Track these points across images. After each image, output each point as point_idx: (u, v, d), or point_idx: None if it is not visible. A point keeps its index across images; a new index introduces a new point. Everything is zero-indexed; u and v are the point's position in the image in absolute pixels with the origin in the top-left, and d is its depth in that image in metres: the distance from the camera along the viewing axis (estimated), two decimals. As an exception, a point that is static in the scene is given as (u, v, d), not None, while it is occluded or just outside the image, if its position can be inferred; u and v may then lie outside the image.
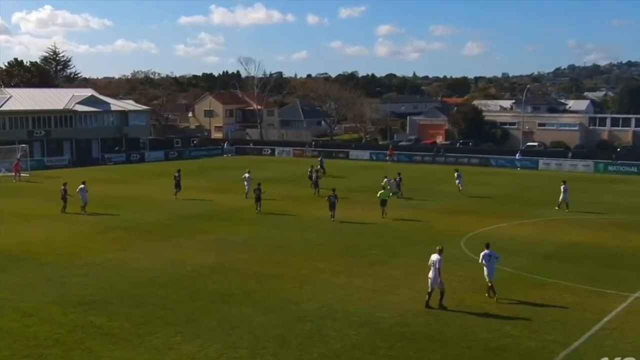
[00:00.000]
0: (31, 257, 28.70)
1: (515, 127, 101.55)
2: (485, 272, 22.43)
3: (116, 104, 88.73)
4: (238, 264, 27.33)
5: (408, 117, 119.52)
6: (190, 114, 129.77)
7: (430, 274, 21.54)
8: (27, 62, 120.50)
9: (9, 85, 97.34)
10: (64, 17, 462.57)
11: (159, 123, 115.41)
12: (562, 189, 42.06)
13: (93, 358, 17.52)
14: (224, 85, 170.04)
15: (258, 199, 40.22)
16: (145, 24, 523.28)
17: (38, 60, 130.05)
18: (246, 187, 45.58)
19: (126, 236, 33.50)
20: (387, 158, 76.03)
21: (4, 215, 39.92)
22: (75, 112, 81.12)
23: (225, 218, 38.62)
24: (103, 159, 77.51)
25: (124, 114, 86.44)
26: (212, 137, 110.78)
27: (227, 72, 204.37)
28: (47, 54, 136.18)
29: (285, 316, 20.71)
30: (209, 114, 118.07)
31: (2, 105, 78.84)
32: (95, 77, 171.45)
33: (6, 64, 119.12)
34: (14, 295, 23.02)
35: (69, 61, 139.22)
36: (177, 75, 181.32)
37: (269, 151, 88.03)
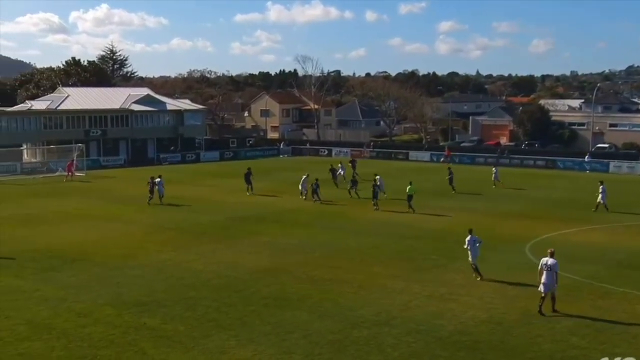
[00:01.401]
0: (85, 258, 28.83)
1: (585, 127, 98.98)
2: (470, 256, 24.78)
3: (172, 104, 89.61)
4: (292, 268, 26.90)
5: (470, 117, 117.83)
6: (246, 114, 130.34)
7: (543, 279, 20.79)
8: (84, 62, 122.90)
9: (66, 84, 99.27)
10: (121, 15, 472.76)
11: (215, 123, 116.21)
12: (600, 190, 40.84)
13: (146, 360, 17.33)
14: (280, 84, 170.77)
15: (314, 192, 43.80)
16: (200, 22, 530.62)
17: (95, 60, 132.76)
18: (301, 189, 45.37)
19: (180, 237, 33.46)
20: (442, 159, 74.84)
21: (59, 215, 40.42)
22: (132, 111, 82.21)
23: (280, 220, 38.28)
24: (158, 159, 78.28)
25: (179, 113, 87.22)
26: (268, 137, 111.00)
27: (283, 70, 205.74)
28: (104, 53, 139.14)
29: (341, 322, 20.17)
30: (265, 113, 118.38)
31: (60, 105, 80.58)
32: (152, 76, 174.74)
33: (64, 63, 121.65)
34: (68, 295, 23.07)
35: (125, 60, 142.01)
36: (234, 74, 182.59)
37: (326, 152, 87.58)
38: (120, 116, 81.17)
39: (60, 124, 76.59)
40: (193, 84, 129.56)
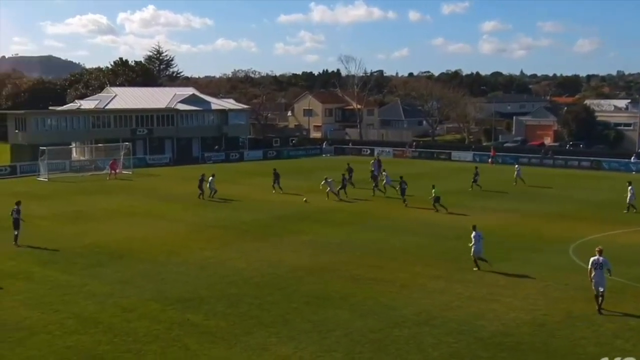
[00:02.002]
0: (132, 254, 29.40)
1: (631, 128, 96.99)
2: (473, 249, 26.32)
3: (216, 103, 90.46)
4: (334, 266, 27.02)
5: (514, 117, 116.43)
6: (289, 113, 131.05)
7: (595, 277, 20.72)
8: (131, 62, 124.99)
9: (114, 84, 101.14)
10: (167, 16, 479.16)
11: (259, 122, 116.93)
12: (628, 190, 40.16)
13: (190, 356, 17.64)
14: (323, 84, 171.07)
15: (342, 188, 45.16)
16: (245, 23, 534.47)
17: (142, 60, 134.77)
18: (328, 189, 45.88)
19: (223, 235, 33.84)
20: (490, 160, 74.02)
21: (105, 212, 41.20)
22: (177, 110, 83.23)
23: (321, 219, 38.39)
24: (203, 157, 79.03)
25: (224, 112, 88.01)
26: (311, 136, 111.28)
27: (327, 70, 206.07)
28: (150, 54, 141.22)
29: (382, 321, 20.23)
30: (308, 113, 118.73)
31: (107, 104, 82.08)
32: (197, 76, 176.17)
33: (112, 64, 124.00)
34: (114, 290, 23.58)
35: (171, 60, 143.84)
36: (277, 74, 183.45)
37: (368, 151, 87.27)
38: (166, 115, 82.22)
39: (108, 123, 77.87)
40: (237, 84, 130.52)
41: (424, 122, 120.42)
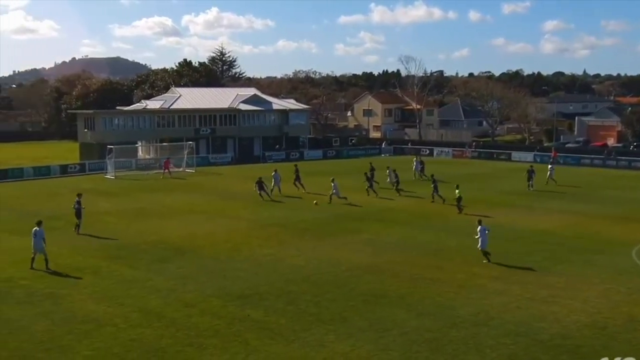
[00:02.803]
0: (194, 250, 30.06)
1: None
2: (480, 243, 27.55)
3: (278, 103, 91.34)
4: (392, 266, 27.12)
5: (576, 118, 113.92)
6: (349, 113, 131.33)
7: None
8: (195, 63, 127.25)
9: (179, 84, 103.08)
10: (229, 18, 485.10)
11: (319, 122, 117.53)
12: None
13: (249, 351, 17.97)
14: (383, 84, 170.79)
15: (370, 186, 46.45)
16: (305, 24, 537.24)
17: (206, 61, 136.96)
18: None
19: (283, 233, 34.26)
20: (551, 160, 72.72)
21: (169, 209, 42.19)
22: (239, 110, 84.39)
23: (380, 219, 38.49)
24: (264, 156, 79.90)
25: (284, 112, 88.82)
26: (370, 136, 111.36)
27: (386, 71, 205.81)
28: (214, 55, 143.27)
29: (439, 321, 20.27)
30: (368, 113, 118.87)
31: (172, 104, 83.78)
32: (259, 77, 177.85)
33: (177, 65, 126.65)
34: (177, 286, 24.19)
35: (234, 61, 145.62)
36: (337, 75, 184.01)
37: (427, 151, 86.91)
38: (229, 115, 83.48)
39: (172, 123, 79.53)
40: (298, 84, 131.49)
41: (484, 122, 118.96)
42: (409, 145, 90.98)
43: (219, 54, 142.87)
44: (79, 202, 34.61)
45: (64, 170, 65.59)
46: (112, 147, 63.14)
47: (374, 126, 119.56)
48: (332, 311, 21.22)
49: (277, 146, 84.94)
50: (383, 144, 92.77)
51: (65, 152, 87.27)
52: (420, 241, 32.09)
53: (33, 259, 26.65)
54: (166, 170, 61.39)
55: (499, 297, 22.67)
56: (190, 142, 69.98)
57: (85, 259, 28.37)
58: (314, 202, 43.65)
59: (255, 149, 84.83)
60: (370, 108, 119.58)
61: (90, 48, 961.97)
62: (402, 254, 29.34)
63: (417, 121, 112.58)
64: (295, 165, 51.52)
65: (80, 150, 78.86)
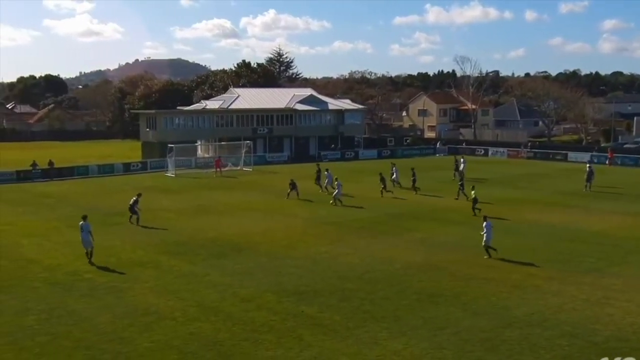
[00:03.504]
0: (251, 247, 30.60)
1: None
2: (485, 238, 28.15)
3: (333, 103, 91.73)
4: (446, 265, 27.14)
5: (635, 118, 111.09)
6: (404, 113, 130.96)
7: None
8: (253, 64, 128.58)
9: (237, 85, 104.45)
10: (287, 20, 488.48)
11: (374, 122, 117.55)
12: None
13: (304, 346, 18.26)
14: (438, 84, 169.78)
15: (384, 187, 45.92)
16: (361, 25, 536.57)
17: (263, 62, 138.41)
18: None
19: (338, 231, 34.54)
20: (607, 162, 71.25)
21: (227, 207, 42.92)
22: (296, 110, 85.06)
23: (435, 218, 38.45)
24: (319, 156, 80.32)
25: (340, 112, 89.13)
26: (425, 136, 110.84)
27: (442, 71, 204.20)
28: (271, 56, 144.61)
29: (493, 320, 20.26)
30: (423, 113, 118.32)
31: (231, 104, 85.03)
32: (315, 77, 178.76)
33: (235, 66, 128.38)
34: (234, 281, 24.70)
35: (291, 62, 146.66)
36: (393, 75, 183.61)
37: (482, 151, 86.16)
38: (285, 115, 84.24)
39: (230, 122, 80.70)
40: (354, 85, 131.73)
41: (540, 122, 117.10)
42: (464, 145, 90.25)
43: (276, 55, 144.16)
44: (136, 201, 36.42)
45: (127, 168, 67.39)
46: (172, 146, 64.46)
47: (429, 126, 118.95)
48: (386, 309, 21.39)
49: (333, 146, 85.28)
50: (437, 144, 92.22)
51: (128, 150, 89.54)
52: (475, 241, 31.71)
53: (87, 253, 27.67)
54: (217, 169, 62.31)
55: (554, 298, 22.49)
56: (248, 142, 70.98)
57: (146, 254, 29.18)
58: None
59: (311, 148, 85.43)
60: (425, 108, 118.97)
61: (153, 50, 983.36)
62: (457, 253, 29.29)
63: (472, 121, 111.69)
64: (318, 165, 52.18)
65: (142, 149, 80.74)
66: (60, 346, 18.30)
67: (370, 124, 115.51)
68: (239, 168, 67.19)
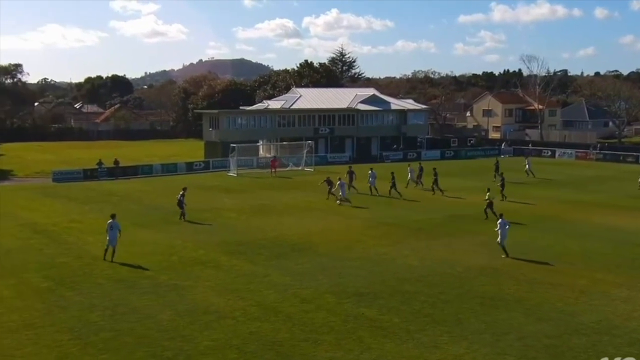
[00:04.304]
0: (310, 248, 30.57)
1: None
2: (499, 237, 28.14)
3: (396, 103, 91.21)
4: (510, 268, 26.57)
5: None
6: (468, 114, 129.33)
7: None
8: (315, 64, 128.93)
9: (299, 85, 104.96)
10: (349, 19, 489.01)
11: (437, 122, 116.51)
12: None
13: (364, 348, 18.10)
14: (504, 84, 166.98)
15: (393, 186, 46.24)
16: (424, 24, 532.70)
17: (326, 62, 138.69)
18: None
19: (397, 232, 34.25)
20: None
21: (288, 207, 43.05)
22: (358, 110, 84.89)
23: (496, 220, 37.57)
24: (381, 156, 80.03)
25: (403, 113, 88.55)
26: (490, 137, 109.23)
27: (507, 70, 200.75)
28: (334, 55, 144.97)
29: (558, 327, 19.71)
30: (488, 113, 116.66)
31: (292, 104, 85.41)
32: (377, 77, 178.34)
33: (297, 66, 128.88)
34: (294, 281, 24.68)
35: (353, 62, 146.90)
36: (457, 75, 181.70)
37: (549, 153, 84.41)
38: (347, 115, 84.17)
39: (292, 122, 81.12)
40: (417, 84, 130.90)
41: (610, 123, 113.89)
42: (530, 147, 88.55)
43: (338, 54, 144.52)
44: (182, 195, 37.86)
45: (190, 167, 68.47)
46: (234, 145, 65.16)
47: (494, 126, 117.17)
48: (447, 312, 21.06)
49: (395, 146, 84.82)
50: (503, 144, 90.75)
51: (191, 150, 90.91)
52: (540, 244, 31.21)
53: (107, 250, 27.98)
54: (273, 169, 62.64)
55: (623, 305, 21.78)
56: (310, 142, 71.13)
57: (207, 253, 29.44)
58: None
59: (373, 148, 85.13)
60: (490, 108, 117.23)
61: (216, 50, 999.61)
62: (521, 256, 28.58)
63: (539, 122, 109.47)
64: (350, 167, 51.82)
65: (205, 148, 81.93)
66: (123, 342, 18.58)
67: (434, 124, 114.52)
68: (300, 168, 67.39)
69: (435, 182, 47.92)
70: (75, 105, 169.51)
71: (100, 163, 63.96)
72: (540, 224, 36.82)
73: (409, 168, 52.47)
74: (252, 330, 19.47)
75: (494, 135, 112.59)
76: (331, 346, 18.26)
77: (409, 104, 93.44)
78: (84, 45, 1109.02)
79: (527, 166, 58.75)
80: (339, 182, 44.42)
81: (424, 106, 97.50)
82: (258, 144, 78.70)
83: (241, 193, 50.14)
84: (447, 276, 25.41)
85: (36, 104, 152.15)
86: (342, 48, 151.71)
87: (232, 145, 65.93)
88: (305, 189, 51.93)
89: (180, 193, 38.09)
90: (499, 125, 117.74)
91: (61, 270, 26.38)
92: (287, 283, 24.49)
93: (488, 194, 38.47)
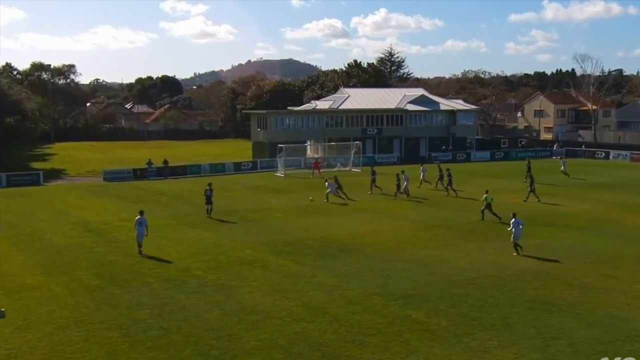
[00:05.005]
0: (358, 249, 30.44)
1: None
2: (513, 235, 28.61)
3: (445, 104, 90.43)
4: (561, 272, 26.03)
5: None
6: (519, 114, 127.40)
7: None
8: (364, 64, 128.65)
9: (347, 85, 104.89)
10: (397, 19, 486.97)
11: (487, 123, 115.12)
12: None
13: (410, 351, 17.95)
14: (556, 84, 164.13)
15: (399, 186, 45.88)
16: (474, 23, 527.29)
17: (374, 62, 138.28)
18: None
19: (447, 234, 33.89)
20: None
21: (335, 208, 43.03)
22: (406, 111, 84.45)
23: (550, 223, 36.97)
24: (430, 157, 79.41)
25: (452, 113, 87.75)
26: (541, 138, 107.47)
27: (560, 70, 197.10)
28: (382, 55, 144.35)
29: (611, 333, 19.21)
30: (539, 114, 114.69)
31: (340, 104, 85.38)
32: (426, 77, 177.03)
33: (346, 66, 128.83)
34: (341, 282, 24.60)
35: (402, 62, 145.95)
36: (508, 74, 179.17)
37: (603, 154, 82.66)
38: (395, 115, 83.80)
39: (340, 123, 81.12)
40: (466, 85, 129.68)
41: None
42: (583, 148, 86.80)
43: (387, 54, 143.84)
44: (210, 190, 39.09)
45: (238, 167, 69.02)
46: (282, 146, 65.43)
47: (545, 127, 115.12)
48: (496, 316, 20.72)
49: (444, 147, 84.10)
50: (555, 145, 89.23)
51: (239, 150, 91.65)
52: (593, 248, 30.51)
53: (139, 244, 29.14)
54: (316, 171, 62.59)
55: (680, 312, 21.11)
56: (358, 142, 71.00)
57: (254, 253, 29.58)
58: (310, 198, 45.55)
59: (421, 149, 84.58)
60: (541, 108, 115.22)
61: (264, 50, 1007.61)
62: (573, 260, 28.03)
63: (592, 122, 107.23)
64: (372, 167, 52.12)
65: (253, 148, 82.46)
66: (171, 340, 18.76)
67: (484, 124, 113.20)
68: (347, 169, 67.27)
69: (450, 183, 47.82)
70: (126, 106, 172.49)
71: (149, 163, 64.90)
72: (591, 227, 36.01)
73: (421, 168, 52.75)
74: (298, 331, 19.46)
75: (546, 136, 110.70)
76: (378, 348, 18.13)
77: (458, 104, 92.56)
78: (135, 46, 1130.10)
79: (562, 167, 58.19)
80: (327, 182, 45.82)
81: (473, 106, 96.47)
82: (306, 144, 78.86)
83: (289, 193, 50.29)
84: (497, 279, 25.02)
85: (88, 104, 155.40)
86: (390, 48, 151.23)
87: (279, 145, 66.23)
88: (353, 190, 51.65)
89: (207, 189, 39.23)
90: (550, 126, 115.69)
91: (111, 269, 26.84)
92: (334, 284, 24.42)
93: (485, 195, 37.92)
